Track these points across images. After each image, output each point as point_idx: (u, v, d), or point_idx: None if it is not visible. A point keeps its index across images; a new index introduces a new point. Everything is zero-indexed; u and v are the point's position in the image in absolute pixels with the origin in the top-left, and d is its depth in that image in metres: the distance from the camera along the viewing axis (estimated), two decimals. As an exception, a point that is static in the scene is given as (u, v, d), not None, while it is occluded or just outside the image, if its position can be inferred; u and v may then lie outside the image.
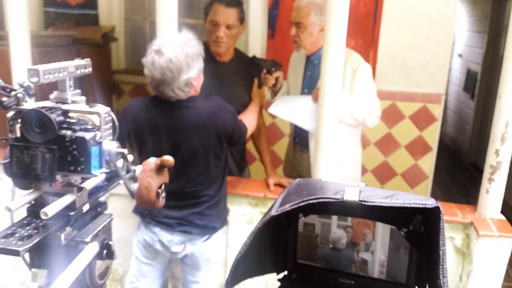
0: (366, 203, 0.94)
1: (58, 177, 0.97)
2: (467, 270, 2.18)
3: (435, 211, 0.92)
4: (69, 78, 1.01)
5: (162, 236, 2.01)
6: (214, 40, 2.27)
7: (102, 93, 3.71)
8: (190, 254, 2.04)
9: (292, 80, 2.64)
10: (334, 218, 1.14)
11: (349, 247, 1.16)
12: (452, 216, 2.20)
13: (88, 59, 1.08)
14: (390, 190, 1.00)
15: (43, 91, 1.14)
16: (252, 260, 1.09)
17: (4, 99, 0.95)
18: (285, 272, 1.22)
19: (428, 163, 3.78)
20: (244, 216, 2.38)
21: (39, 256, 0.99)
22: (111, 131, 1.01)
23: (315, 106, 2.24)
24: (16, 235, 0.92)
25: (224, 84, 2.29)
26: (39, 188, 1.00)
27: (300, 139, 2.65)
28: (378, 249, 1.12)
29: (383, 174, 3.85)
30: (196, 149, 1.89)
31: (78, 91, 1.04)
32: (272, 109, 2.45)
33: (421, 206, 0.91)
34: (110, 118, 1.01)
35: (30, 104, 0.97)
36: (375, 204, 0.93)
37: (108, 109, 1.01)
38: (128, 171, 1.02)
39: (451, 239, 2.20)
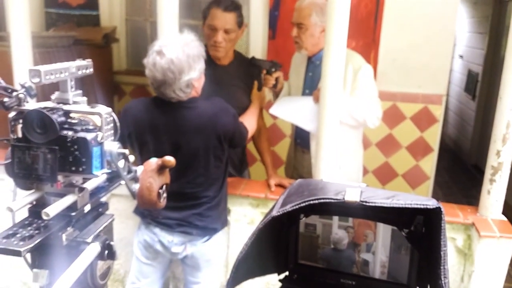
0: (367, 204, 0.94)
1: (60, 178, 0.97)
2: (469, 271, 2.17)
3: (437, 212, 0.92)
4: (71, 79, 1.01)
5: (162, 237, 2.01)
6: (212, 45, 2.26)
7: (103, 94, 3.72)
8: (190, 255, 2.04)
9: (294, 81, 2.64)
10: (335, 218, 1.14)
11: (350, 248, 1.16)
12: (453, 217, 2.20)
13: (89, 60, 1.08)
14: (391, 191, 1.00)
15: (44, 92, 1.15)
16: (253, 261, 1.08)
17: (6, 99, 0.95)
18: (286, 273, 1.22)
19: (429, 164, 3.78)
20: (245, 216, 2.38)
21: (40, 257, 0.99)
22: (112, 131, 1.01)
23: (316, 107, 2.24)
24: (18, 235, 0.92)
25: (224, 87, 2.28)
26: (40, 188, 1.00)
27: (301, 140, 2.65)
28: (379, 249, 1.12)
29: (384, 175, 3.84)
30: (196, 150, 1.89)
31: (80, 91, 1.04)
32: (273, 110, 2.45)
33: (422, 206, 0.91)
34: (111, 118, 1.01)
35: (31, 104, 0.97)
36: (376, 204, 0.93)
37: (110, 109, 1.01)
38: (129, 171, 1.02)
39: (452, 240, 2.20)
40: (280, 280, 1.22)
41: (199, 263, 2.06)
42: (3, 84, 0.98)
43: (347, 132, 2.35)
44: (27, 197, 0.98)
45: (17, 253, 0.88)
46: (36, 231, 0.94)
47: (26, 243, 0.90)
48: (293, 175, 2.80)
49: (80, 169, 0.95)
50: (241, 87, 2.41)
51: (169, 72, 1.74)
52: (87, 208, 1.03)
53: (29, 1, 2.36)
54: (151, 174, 1.02)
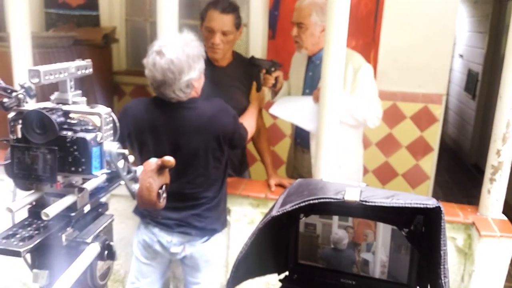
0: (367, 203, 0.94)
1: (59, 178, 0.97)
2: (469, 270, 2.17)
3: (436, 211, 0.92)
4: (70, 79, 1.01)
5: (161, 237, 2.01)
6: (210, 47, 2.25)
7: (103, 94, 3.72)
8: (189, 255, 2.04)
9: (294, 81, 2.64)
10: (335, 218, 1.14)
11: (350, 248, 1.16)
12: (453, 216, 2.20)
13: (89, 60, 1.08)
14: (391, 190, 0.99)
15: (44, 92, 1.15)
16: (253, 261, 1.08)
17: (5, 100, 0.95)
18: (286, 273, 1.22)
19: (429, 164, 3.78)
20: (245, 216, 2.38)
21: (40, 257, 0.99)
22: (112, 131, 1.01)
23: (316, 106, 2.24)
24: (17, 236, 0.92)
25: (222, 89, 2.27)
26: (40, 189, 1.00)
27: (301, 139, 2.65)
28: (379, 249, 1.12)
29: (384, 175, 3.84)
30: (196, 150, 1.89)
31: (79, 92, 1.04)
32: (273, 110, 2.45)
33: (422, 206, 0.91)
34: (111, 119, 1.01)
35: (31, 105, 0.97)
36: (376, 204, 0.93)
37: (109, 110, 1.01)
38: (129, 171, 1.02)
39: (452, 239, 2.20)
40: (280, 280, 1.22)
41: (198, 264, 2.06)
42: (3, 84, 0.98)
43: (347, 132, 2.35)
44: (26, 197, 0.98)
45: (16, 254, 0.88)
46: (36, 232, 0.94)
47: (25, 243, 0.90)
48: (293, 175, 2.80)
49: (80, 169, 0.95)
50: (240, 88, 2.40)
51: (169, 72, 1.74)
52: (87, 208, 1.03)
53: (29, 1, 2.36)
54: (151, 174, 1.02)
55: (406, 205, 0.92)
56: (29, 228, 0.95)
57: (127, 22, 4.26)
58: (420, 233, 1.03)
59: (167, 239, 2.00)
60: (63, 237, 0.97)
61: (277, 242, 1.18)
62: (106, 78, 3.98)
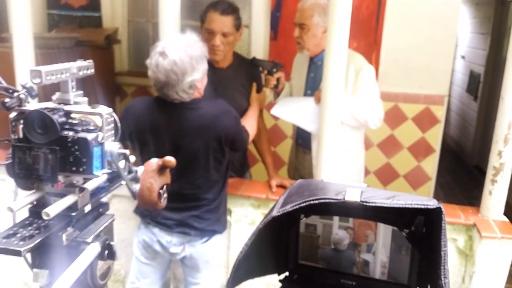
0: (367, 204, 0.94)
1: (60, 178, 0.97)
2: (470, 272, 2.17)
3: (437, 212, 0.92)
4: (72, 79, 1.02)
5: (161, 237, 2.01)
6: (211, 48, 2.24)
7: (105, 95, 3.73)
8: (189, 255, 2.04)
9: (296, 82, 2.64)
10: (336, 219, 1.14)
11: (351, 248, 1.16)
12: (454, 217, 2.20)
13: (90, 61, 1.08)
14: (391, 191, 0.99)
15: (45, 93, 1.15)
16: (253, 261, 1.09)
17: (7, 100, 0.95)
18: (287, 273, 1.22)
19: (431, 165, 3.78)
20: (246, 217, 2.38)
21: (40, 257, 1.00)
22: (113, 132, 1.01)
23: (317, 107, 2.24)
24: (18, 235, 0.93)
25: (222, 91, 2.26)
26: (41, 188, 1.00)
27: (302, 140, 2.65)
28: (380, 250, 1.12)
29: (385, 176, 3.84)
30: (197, 151, 1.89)
31: (81, 92, 1.04)
32: (274, 111, 2.45)
33: (422, 206, 0.91)
34: (112, 119, 1.01)
35: (32, 105, 0.97)
36: (377, 205, 0.93)
37: (110, 110, 1.01)
38: (130, 171, 1.03)
39: (453, 240, 2.20)
40: (280, 281, 1.22)
41: (198, 264, 2.06)
42: (4, 84, 0.98)
43: (348, 133, 2.35)
44: (27, 197, 0.98)
45: (17, 253, 0.88)
46: (37, 231, 0.94)
47: (26, 243, 0.90)
48: (295, 175, 2.80)
49: (81, 169, 0.95)
50: (240, 90, 2.38)
51: (172, 73, 1.74)
52: (88, 208, 1.04)
53: (31, 2, 2.37)
54: (152, 174, 1.02)
55: (407, 206, 0.92)
56: (29, 228, 0.96)
57: (129, 23, 4.27)
58: (420, 234, 1.03)
59: (166, 239, 2.00)
60: (64, 236, 0.97)
61: (277, 243, 1.18)
62: (108, 79, 3.99)
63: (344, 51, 2.01)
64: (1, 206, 1.05)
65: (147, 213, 2.01)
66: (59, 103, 1.01)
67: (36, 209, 0.98)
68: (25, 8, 2.31)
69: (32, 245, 0.90)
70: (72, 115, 0.98)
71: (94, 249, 1.00)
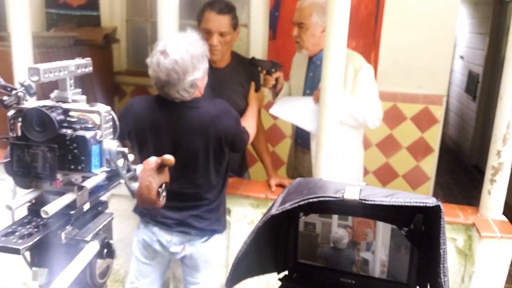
0: (366, 202, 0.93)
1: (59, 176, 0.97)
2: (469, 271, 2.17)
3: (436, 210, 0.92)
4: (70, 77, 1.02)
5: (161, 236, 2.00)
6: (208, 48, 2.24)
7: (104, 94, 3.72)
8: (189, 255, 2.03)
9: (294, 81, 2.64)
10: (335, 217, 1.14)
11: (350, 247, 1.16)
12: (454, 217, 2.20)
13: (89, 58, 1.08)
14: (390, 189, 0.99)
15: (44, 91, 1.15)
16: (252, 259, 1.08)
17: (5, 98, 0.95)
18: (286, 272, 1.22)
19: (429, 165, 3.78)
20: (246, 217, 2.37)
21: (39, 255, 0.99)
22: (111, 130, 1.01)
23: (316, 107, 2.24)
24: (17, 233, 0.92)
25: (220, 91, 2.25)
26: (39, 187, 1.00)
27: (301, 140, 2.65)
28: (379, 248, 1.12)
29: (384, 176, 3.84)
30: (197, 150, 1.88)
31: (79, 90, 1.04)
32: (273, 110, 2.44)
33: (421, 204, 0.91)
34: (110, 117, 1.01)
35: (31, 103, 0.97)
36: (376, 202, 0.93)
37: (109, 108, 1.01)
38: (128, 170, 1.03)
39: (453, 240, 2.20)
40: (279, 279, 1.22)
41: (198, 264, 2.05)
42: (2, 82, 0.98)
43: (347, 133, 2.35)
44: (26, 195, 0.98)
45: (16, 251, 0.88)
46: (35, 229, 0.94)
47: (25, 241, 0.90)
48: (294, 175, 2.80)
49: (79, 167, 0.95)
50: (238, 90, 2.37)
51: (173, 72, 1.73)
52: (86, 206, 1.04)
53: (29, 1, 2.36)
54: (151, 172, 1.02)
55: (406, 204, 0.91)
56: (28, 226, 0.95)
57: (127, 22, 4.26)
58: (419, 232, 1.03)
59: (166, 239, 2.00)
60: (63, 235, 0.97)
61: (276, 241, 1.18)
62: (106, 78, 3.98)
63: (343, 51, 2.01)
64: (0, 206, 1.05)
65: (147, 212, 2.01)
66: (58, 101, 1.01)
67: (35, 207, 0.98)
68: (24, 7, 2.31)
69: (31, 243, 0.90)
70: (71, 113, 0.98)
71: (93, 247, 0.99)
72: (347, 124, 2.30)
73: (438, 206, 0.91)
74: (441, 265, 0.89)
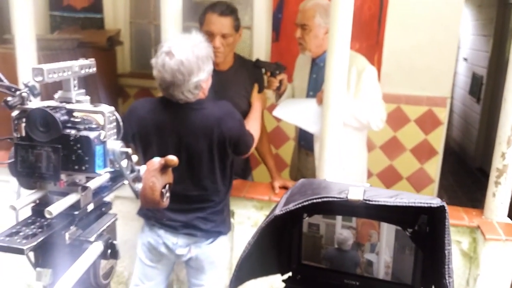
0: (370, 202, 0.93)
1: (63, 176, 0.97)
2: (474, 274, 2.16)
3: (440, 210, 0.91)
4: (74, 78, 1.01)
5: (166, 239, 2.00)
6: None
7: (108, 96, 3.72)
8: (195, 257, 2.03)
9: (298, 83, 2.63)
10: (339, 218, 1.14)
11: (354, 248, 1.15)
12: (458, 219, 2.19)
13: (93, 59, 1.08)
14: (394, 190, 0.99)
15: (48, 92, 1.15)
16: (256, 260, 1.08)
17: (9, 98, 0.95)
18: (290, 273, 1.21)
19: (434, 167, 3.77)
20: (249, 219, 2.37)
21: (43, 255, 0.99)
22: (115, 130, 1.01)
23: (319, 109, 2.24)
24: (21, 233, 0.92)
25: (222, 93, 2.23)
26: (43, 187, 1.00)
27: (305, 142, 2.65)
28: (383, 250, 1.11)
29: (388, 178, 3.83)
30: (201, 152, 1.88)
31: (83, 90, 1.04)
32: (276, 112, 2.44)
33: (426, 205, 0.90)
34: (114, 117, 1.01)
35: (35, 103, 0.97)
36: (380, 203, 0.93)
37: (113, 108, 1.01)
38: (132, 170, 1.02)
39: (457, 243, 2.19)
40: (283, 281, 1.21)
41: (204, 265, 2.05)
42: (7, 83, 0.98)
43: (351, 134, 2.35)
44: (30, 196, 0.98)
45: (20, 251, 0.88)
46: (39, 230, 0.94)
47: (29, 241, 0.90)
48: (297, 177, 2.79)
49: (83, 167, 0.95)
50: (241, 92, 2.36)
51: (179, 73, 1.73)
52: (90, 207, 1.03)
53: (34, 4, 2.37)
54: (154, 173, 1.02)
55: (410, 204, 0.91)
56: (32, 226, 0.95)
57: (131, 24, 4.27)
58: (424, 233, 1.02)
59: (172, 241, 1.99)
60: (67, 235, 0.97)
61: (280, 242, 1.18)
62: (110, 81, 3.99)
63: (346, 53, 2.01)
64: (4, 207, 1.05)
65: (152, 215, 2.01)
66: (61, 102, 1.01)
67: (39, 208, 0.98)
68: (28, 9, 2.32)
69: (35, 243, 0.90)
70: (74, 114, 0.98)
71: (97, 248, 0.99)
72: (350, 126, 2.30)
73: (443, 207, 0.90)
74: (446, 266, 0.89)
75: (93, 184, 1.01)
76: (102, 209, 1.10)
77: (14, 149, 0.95)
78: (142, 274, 2.11)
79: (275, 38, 3.75)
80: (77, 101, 1.01)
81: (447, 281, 0.88)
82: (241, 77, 2.38)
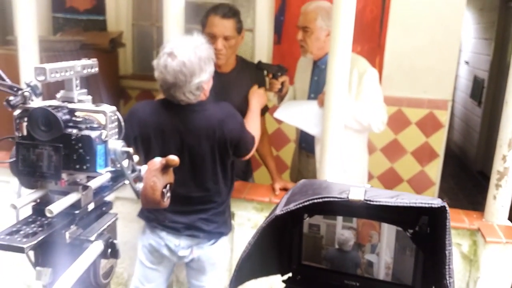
0: (371, 203, 0.93)
1: (64, 176, 0.97)
2: (474, 277, 2.15)
3: (441, 211, 0.91)
4: (76, 78, 1.02)
5: (169, 241, 2.00)
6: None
7: (109, 98, 3.73)
8: (197, 258, 2.03)
9: (299, 85, 2.64)
10: (339, 219, 1.14)
11: (355, 249, 1.15)
12: (459, 222, 2.19)
13: (95, 59, 1.09)
14: (395, 191, 0.99)
15: (50, 92, 1.15)
16: (256, 260, 1.08)
17: (11, 98, 0.96)
18: (290, 274, 1.21)
19: (434, 170, 3.77)
20: (249, 220, 2.37)
21: (43, 254, 0.99)
22: (116, 130, 1.01)
23: (321, 111, 2.24)
24: (21, 232, 0.92)
25: (224, 96, 2.24)
26: (44, 186, 1.00)
27: (306, 144, 2.65)
28: (384, 250, 1.11)
29: (389, 181, 3.83)
30: (203, 153, 1.89)
31: (85, 90, 1.05)
32: (278, 114, 2.44)
33: (427, 205, 0.90)
34: (115, 117, 1.01)
35: (36, 103, 0.97)
36: (381, 203, 0.93)
37: (114, 108, 1.01)
38: (133, 170, 1.03)
39: (458, 245, 2.18)
40: (283, 281, 1.21)
41: (205, 267, 2.05)
42: (9, 82, 0.98)
43: (352, 137, 2.35)
44: (31, 194, 0.98)
45: (20, 250, 0.88)
46: (40, 229, 0.94)
47: (29, 239, 0.90)
48: (298, 179, 2.77)
49: (84, 167, 0.95)
50: (243, 95, 2.35)
51: (181, 74, 1.74)
52: (91, 206, 1.03)
53: (36, 5, 2.38)
54: (155, 173, 1.02)
55: (411, 205, 0.91)
56: (33, 225, 0.95)
57: (133, 26, 4.29)
58: (425, 234, 1.02)
59: (175, 243, 1.99)
60: (67, 234, 0.97)
61: (280, 243, 1.18)
62: (112, 82, 4.00)
63: (348, 55, 2.02)
64: (4, 207, 1.05)
65: (154, 217, 2.00)
66: (63, 101, 1.01)
67: (40, 207, 0.98)
68: (30, 11, 2.33)
69: (35, 242, 0.90)
70: (76, 113, 0.98)
71: (97, 247, 0.99)
72: (351, 128, 2.30)
73: (444, 207, 0.90)
74: (447, 267, 0.88)
75: (94, 183, 1.01)
76: (103, 208, 1.10)
77: (16, 148, 0.95)
78: (142, 276, 2.11)
79: (277, 41, 3.76)
80: (79, 101, 1.02)
81: (448, 282, 0.88)
82: (243, 79, 2.38)
